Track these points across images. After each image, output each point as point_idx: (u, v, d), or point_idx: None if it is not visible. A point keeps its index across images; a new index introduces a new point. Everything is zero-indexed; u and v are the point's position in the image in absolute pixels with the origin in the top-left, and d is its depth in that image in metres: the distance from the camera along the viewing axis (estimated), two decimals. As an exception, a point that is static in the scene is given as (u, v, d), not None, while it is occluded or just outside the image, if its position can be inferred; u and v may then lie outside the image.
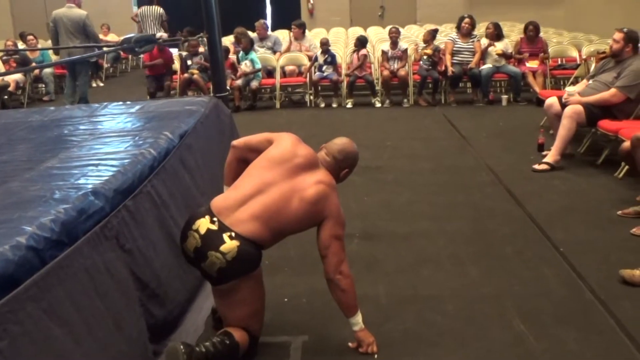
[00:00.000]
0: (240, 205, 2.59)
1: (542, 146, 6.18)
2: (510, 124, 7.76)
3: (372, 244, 4.20)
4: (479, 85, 9.30)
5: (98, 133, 3.65)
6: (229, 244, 2.49)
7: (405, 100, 9.48)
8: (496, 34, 9.37)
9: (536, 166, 5.72)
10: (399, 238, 4.28)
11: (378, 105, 9.47)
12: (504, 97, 9.18)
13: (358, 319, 2.81)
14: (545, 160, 5.74)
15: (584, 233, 4.25)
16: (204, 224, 2.53)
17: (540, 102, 7.78)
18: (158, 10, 11.65)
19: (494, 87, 9.75)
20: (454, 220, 4.58)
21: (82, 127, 3.92)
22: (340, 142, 2.94)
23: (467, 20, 9.49)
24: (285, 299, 3.42)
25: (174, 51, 11.11)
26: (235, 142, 2.93)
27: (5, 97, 10.53)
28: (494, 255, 3.95)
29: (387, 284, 3.59)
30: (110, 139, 3.46)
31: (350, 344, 2.88)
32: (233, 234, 2.50)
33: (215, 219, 2.54)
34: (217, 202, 2.63)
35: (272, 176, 2.66)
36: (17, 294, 1.81)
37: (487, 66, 9.19)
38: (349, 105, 9.53)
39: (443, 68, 9.33)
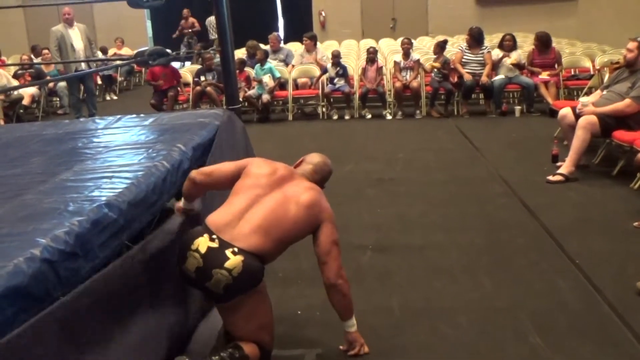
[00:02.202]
0: (238, 220, 2.59)
1: (556, 157, 6.14)
2: (523, 135, 7.73)
3: (385, 255, 4.19)
4: (491, 97, 9.28)
5: (112, 145, 3.66)
6: (233, 260, 2.47)
7: (418, 111, 9.47)
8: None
9: (550, 177, 5.68)
10: (412, 250, 4.26)
11: (389, 117, 9.46)
12: (517, 108, 9.15)
13: (354, 320, 2.86)
14: (559, 171, 5.71)
15: (599, 245, 4.21)
16: (203, 243, 2.51)
17: (553, 113, 7.74)
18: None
19: (506, 98, 9.72)
20: (468, 232, 4.55)
21: (96, 139, 3.93)
22: (320, 157, 3.02)
23: (475, 31, 9.48)
24: (299, 312, 3.41)
25: (187, 64, 11.19)
26: (198, 179, 2.85)
27: (21, 110, 10.64)
28: (508, 267, 3.92)
29: (401, 296, 3.58)
30: (124, 152, 3.47)
31: (340, 347, 2.89)
32: (236, 249, 2.49)
33: (214, 236, 2.52)
34: (214, 219, 2.61)
35: (262, 189, 2.69)
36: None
37: (499, 77, 9.17)
38: (368, 116, 9.53)
39: (455, 79, 9.32)
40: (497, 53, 9.38)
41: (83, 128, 4.34)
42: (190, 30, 14.93)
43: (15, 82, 10.51)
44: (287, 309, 3.41)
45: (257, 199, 2.65)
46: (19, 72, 11.05)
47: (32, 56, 12.70)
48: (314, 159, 2.98)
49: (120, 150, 3.52)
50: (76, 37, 9.19)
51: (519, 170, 6.12)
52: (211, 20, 14.43)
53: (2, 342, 1.68)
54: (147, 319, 2.47)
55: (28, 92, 10.55)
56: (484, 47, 9.46)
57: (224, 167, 2.91)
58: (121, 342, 2.25)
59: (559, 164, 5.93)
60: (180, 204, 2.91)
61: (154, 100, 9.87)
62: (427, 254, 4.18)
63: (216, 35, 13.90)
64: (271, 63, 10.02)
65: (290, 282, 3.71)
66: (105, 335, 2.17)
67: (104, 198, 2.52)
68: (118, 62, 10.62)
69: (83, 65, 9.24)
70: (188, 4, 14.74)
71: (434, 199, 5.35)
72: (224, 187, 2.90)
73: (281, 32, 17.21)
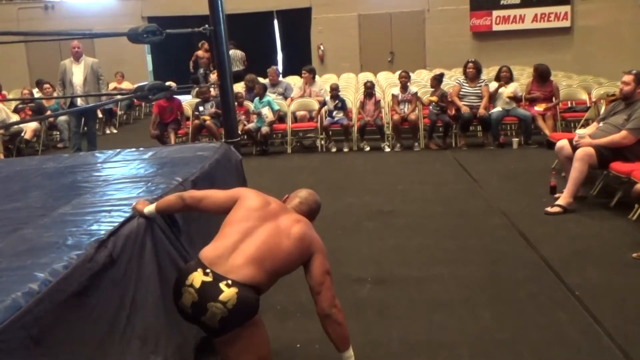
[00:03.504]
0: (231, 252, 2.58)
1: (554, 189, 6.16)
2: (521, 167, 7.76)
3: (384, 288, 4.18)
4: (489, 129, 9.34)
5: (111, 179, 3.68)
6: (227, 292, 2.47)
7: (416, 144, 9.51)
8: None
9: (549, 209, 5.69)
10: (411, 283, 4.25)
11: (387, 149, 9.51)
12: (515, 140, 9.20)
13: (351, 351, 2.82)
14: (557, 203, 5.72)
15: (599, 276, 4.20)
16: (197, 278, 2.50)
17: (551, 145, 7.77)
18: (239, 53, 14.49)
19: (504, 130, 9.77)
20: (467, 264, 4.55)
21: (95, 173, 3.95)
22: (307, 192, 3.05)
23: (470, 65, 9.59)
24: (298, 345, 3.39)
25: (187, 98, 11.28)
26: (188, 202, 2.88)
27: (22, 144, 10.68)
28: (508, 299, 3.91)
29: (400, 329, 3.56)
30: (123, 185, 3.48)
31: None
32: (229, 282, 2.48)
33: (208, 270, 2.52)
34: (207, 253, 2.61)
35: (253, 222, 2.70)
36: (11, 321, 1.81)
37: (497, 109, 9.24)
38: (367, 149, 9.58)
39: (453, 112, 9.38)
40: (494, 85, 9.47)
41: (83, 162, 4.36)
42: (206, 60, 15.00)
43: (14, 116, 10.58)
44: (285, 342, 3.39)
45: (250, 231, 2.66)
46: (20, 106, 11.12)
47: (35, 90, 12.80)
48: (301, 193, 3.02)
49: (120, 184, 3.53)
50: (78, 71, 9.19)
51: (517, 202, 6.13)
52: (232, 53, 14.72)
53: None
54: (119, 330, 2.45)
55: (30, 127, 10.61)
56: (481, 80, 9.55)
57: (215, 196, 2.92)
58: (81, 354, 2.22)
59: (557, 195, 5.94)
60: (144, 209, 2.84)
61: (157, 131, 9.95)
62: (427, 286, 4.17)
63: (235, 68, 14.27)
64: (270, 96, 10.10)
65: (288, 315, 3.69)
66: (69, 346, 2.13)
67: (102, 232, 2.53)
68: (119, 97, 10.68)
69: (79, 100, 9.21)
70: (188, 39, 14.88)
71: (433, 232, 5.36)
72: (211, 213, 2.96)
73: (280, 66, 17.39)
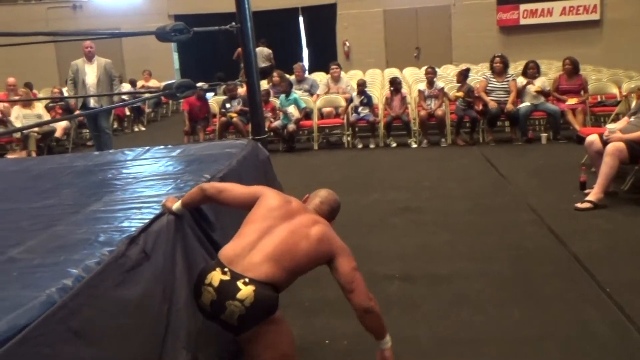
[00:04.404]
0: (249, 251, 2.60)
1: (584, 184, 6.09)
2: (550, 163, 7.68)
3: (412, 285, 4.17)
4: (517, 124, 9.25)
5: (141, 177, 3.72)
6: (245, 290, 2.48)
7: (443, 140, 9.47)
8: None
9: (578, 205, 5.63)
10: (439, 279, 4.24)
11: (414, 145, 9.48)
12: (544, 135, 9.10)
13: (389, 336, 2.82)
14: (587, 198, 5.65)
15: (630, 273, 4.14)
16: (216, 277, 2.52)
17: (580, 140, 7.66)
18: (266, 50, 14.61)
19: (532, 126, 9.67)
20: (494, 261, 4.52)
21: (125, 171, 4.01)
22: (327, 192, 3.05)
23: (497, 59, 9.51)
24: (327, 341, 3.40)
25: (209, 96, 11.39)
26: (209, 192, 2.91)
27: (53, 143, 10.86)
28: (537, 296, 3.88)
29: (427, 326, 3.55)
30: (152, 182, 3.53)
31: None
32: (247, 280, 2.50)
33: (226, 269, 2.54)
34: (226, 252, 2.63)
35: (272, 221, 2.71)
36: (47, 316, 1.84)
37: (525, 104, 9.15)
38: (393, 145, 9.56)
39: (480, 107, 9.31)
40: (521, 80, 9.37)
41: (112, 159, 4.42)
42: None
43: (47, 116, 10.74)
44: (314, 338, 3.40)
45: (268, 230, 2.67)
46: (50, 105, 11.30)
47: (65, 89, 12.99)
48: (321, 193, 3.03)
49: (149, 181, 3.58)
50: (91, 72, 8.94)
51: (546, 198, 6.07)
52: (259, 50, 14.85)
53: (11, 344, 1.70)
54: (155, 324, 2.49)
55: (61, 125, 10.77)
56: (508, 75, 9.46)
57: (236, 190, 2.94)
58: (127, 346, 2.27)
59: (587, 191, 5.87)
60: (173, 206, 2.89)
61: (188, 128, 10.14)
62: (454, 283, 4.15)
63: (262, 64, 14.36)
64: (296, 93, 10.12)
65: (316, 312, 3.70)
66: (111, 337, 2.17)
67: (133, 229, 2.57)
68: (147, 95, 10.77)
69: (92, 101, 9.01)
70: (213, 38, 14.97)
71: (460, 228, 5.32)
72: (230, 207, 2.99)
73: (306, 63, 17.41)
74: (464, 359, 3.17)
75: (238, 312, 2.48)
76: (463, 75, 9.72)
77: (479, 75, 11.18)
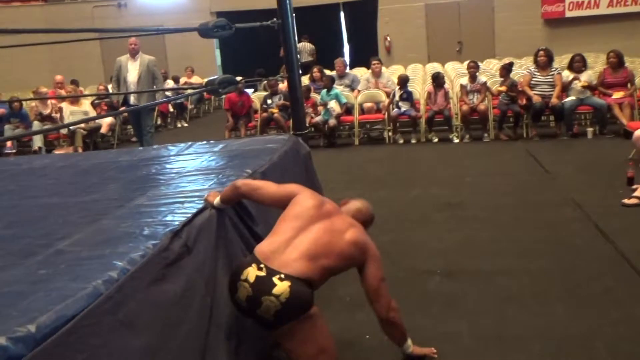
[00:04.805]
0: (285, 247, 2.63)
1: (631, 180, 5.93)
2: (596, 158, 7.51)
3: (454, 281, 4.13)
4: (562, 119, 9.06)
5: (184, 172, 3.78)
6: (280, 286, 2.51)
7: (486, 135, 9.34)
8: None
9: (626, 201, 5.49)
10: (481, 275, 4.19)
11: (456, 140, 9.39)
12: (589, 129, 8.91)
13: (409, 340, 2.94)
14: (635, 194, 5.51)
15: (680, 271, 4.03)
16: (252, 273, 2.55)
17: (628, 134, 7.49)
18: (308, 45, 15.30)
19: (578, 120, 9.46)
20: (539, 257, 4.44)
21: (168, 166, 4.07)
22: (363, 202, 3.11)
23: (542, 53, 9.33)
24: (367, 336, 3.39)
25: (249, 91, 11.48)
26: (242, 190, 2.93)
27: (99, 139, 11.09)
28: (582, 294, 3.80)
29: (470, 322, 3.51)
30: (195, 177, 3.58)
31: None
32: (282, 276, 2.53)
33: (262, 265, 2.57)
34: (262, 248, 2.66)
35: (308, 220, 2.74)
36: (94, 306, 1.89)
37: (570, 99, 8.95)
38: (435, 140, 9.48)
39: (524, 101, 9.16)
40: (566, 74, 9.18)
41: (156, 155, 4.49)
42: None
43: (94, 112, 10.96)
44: (355, 333, 3.40)
45: (304, 227, 2.70)
46: (96, 101, 11.53)
47: (110, 86, 13.25)
48: (357, 203, 3.09)
49: (192, 176, 3.63)
50: (133, 69, 8.87)
51: (592, 193, 5.93)
52: (302, 45, 15.08)
53: (60, 334, 1.74)
54: (198, 317, 2.53)
55: (106, 122, 10.99)
56: (553, 69, 9.28)
57: (270, 188, 2.96)
58: (172, 336, 2.31)
59: (634, 186, 5.72)
60: (214, 200, 2.92)
61: (230, 124, 10.26)
62: (497, 279, 4.10)
63: (304, 59, 14.42)
64: (337, 88, 10.11)
65: (358, 307, 3.68)
66: (156, 328, 2.22)
67: (176, 223, 2.61)
68: (189, 91, 10.89)
69: (132, 98, 9.02)
70: (255, 34, 15.07)
71: (503, 224, 5.25)
72: (264, 205, 3.04)
73: (347, 58, 17.38)
74: (507, 356, 3.12)
75: (274, 308, 2.50)
76: (506, 70, 9.58)
77: (522, 69, 10.99)
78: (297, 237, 2.66)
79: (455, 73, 12.00)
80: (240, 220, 3.11)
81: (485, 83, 9.50)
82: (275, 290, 2.50)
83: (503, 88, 9.23)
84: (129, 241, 2.42)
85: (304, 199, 2.83)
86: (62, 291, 1.91)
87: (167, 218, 2.72)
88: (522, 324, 3.46)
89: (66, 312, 1.79)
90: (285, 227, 2.71)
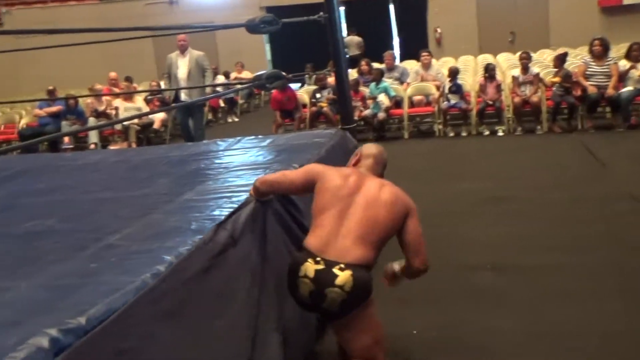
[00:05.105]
0: (336, 237, 2.60)
1: (692, 172, 5.73)
2: (655, 150, 7.27)
3: (504, 276, 4.07)
4: (619, 110, 8.80)
5: (232, 166, 3.83)
6: (343, 276, 2.51)
7: (538, 127, 9.15)
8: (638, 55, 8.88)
9: (685, 194, 5.31)
10: (532, 271, 4.11)
11: (508, 133, 9.23)
12: (648, 121, 8.63)
13: None
14: (695, 187, 5.32)
15: None
16: (310, 268, 2.55)
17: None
18: (356, 38, 15.25)
19: (636, 111, 9.17)
20: (593, 252, 4.33)
21: (217, 161, 4.13)
22: (376, 147, 3.06)
23: (597, 42, 9.06)
24: (414, 331, 3.38)
25: (295, 86, 11.52)
26: (261, 189, 2.90)
27: (152, 134, 11.31)
28: (637, 289, 3.70)
29: (520, 319, 3.46)
30: (243, 172, 3.61)
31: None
32: (342, 266, 2.52)
33: (318, 258, 2.56)
34: (311, 243, 2.64)
35: (343, 201, 2.68)
36: (139, 297, 1.93)
37: (627, 89, 8.68)
38: (486, 133, 9.34)
39: (579, 92, 8.92)
40: (623, 64, 8.90)
41: (205, 150, 4.57)
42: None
43: (147, 108, 11.19)
44: (401, 328, 3.38)
45: (344, 212, 2.66)
46: (149, 97, 11.75)
47: (162, 82, 13.48)
48: (371, 150, 3.00)
49: (240, 170, 3.67)
50: (183, 65, 8.94)
51: (650, 187, 5.75)
52: (350, 38, 15.16)
53: (105, 324, 1.78)
54: (239, 311, 2.55)
55: (158, 117, 11.20)
56: (609, 59, 9.01)
57: (290, 177, 2.93)
58: (217, 327, 2.34)
59: (695, 180, 5.53)
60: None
61: (279, 118, 10.32)
62: (548, 275, 4.02)
63: (352, 53, 14.43)
64: (386, 82, 10.06)
65: (404, 301, 3.67)
66: (202, 318, 2.26)
67: (223, 217, 2.64)
68: (238, 87, 11.00)
69: (183, 94, 9.07)
70: (305, 28, 15.12)
71: (555, 218, 5.14)
72: (293, 194, 3.03)
73: (397, 50, 17.25)
74: (558, 353, 3.06)
75: (339, 298, 2.51)
76: (560, 60, 9.36)
77: (577, 59, 10.71)
78: (343, 224, 2.63)
79: (508, 64, 11.78)
80: (287, 211, 3.13)
81: (537, 74, 9.30)
82: (338, 281, 2.50)
83: (557, 79, 9.02)
84: (176, 235, 2.47)
85: (329, 181, 2.76)
86: (111, 284, 1.96)
87: (215, 212, 2.75)
88: (573, 320, 3.39)
89: (114, 305, 1.83)
90: (327, 217, 2.67)
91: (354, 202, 2.68)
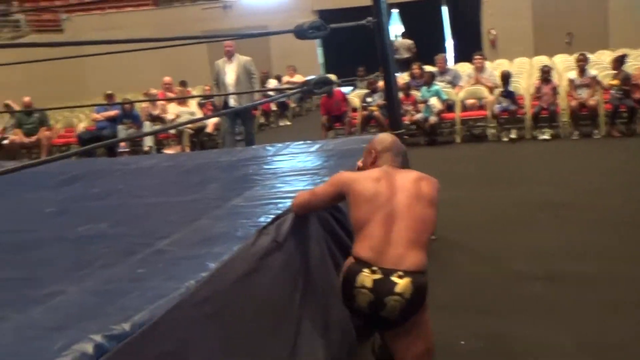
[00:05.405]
0: (388, 244, 2.56)
1: None
2: None
3: (557, 286, 3.96)
4: (681, 113, 8.49)
5: (279, 172, 3.85)
6: (402, 284, 2.48)
7: (596, 131, 8.90)
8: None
9: None
10: (586, 281, 3.99)
11: (564, 137, 9.00)
12: None
13: None
14: None
15: None
16: (367, 278, 2.51)
17: None
18: (407, 41, 15.41)
19: (700, 115, 8.83)
20: (650, 262, 4.19)
21: (265, 166, 4.17)
22: (389, 137, 3.02)
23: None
24: (462, 342, 3.33)
25: (347, 90, 11.50)
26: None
27: (205, 138, 11.48)
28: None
29: (573, 331, 3.36)
30: (290, 178, 3.64)
31: None
32: (401, 273, 2.49)
33: (374, 268, 2.52)
34: (364, 253, 2.58)
35: (384, 207, 2.62)
36: (180, 301, 1.97)
37: (690, 92, 8.38)
38: (541, 137, 9.13)
39: (639, 96, 8.64)
40: (687, 66, 8.60)
41: (254, 155, 4.61)
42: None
43: (200, 113, 11.36)
44: (449, 338, 3.33)
45: (390, 218, 2.61)
46: (202, 102, 11.93)
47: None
48: (384, 143, 2.91)
49: (287, 176, 3.69)
50: (230, 71, 8.92)
51: None
52: (400, 41, 15.24)
53: (147, 327, 1.81)
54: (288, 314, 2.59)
55: (211, 121, 11.34)
56: (671, 60, 8.72)
57: (320, 193, 2.89)
58: (259, 329, 2.37)
59: None
60: None
61: (326, 123, 10.34)
62: (603, 285, 3.89)
63: (405, 55, 14.37)
64: (438, 85, 9.96)
65: (452, 311, 3.62)
66: (243, 321, 2.28)
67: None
68: (288, 92, 11.06)
69: (232, 100, 9.07)
70: (357, 32, 15.11)
71: (612, 226, 4.98)
72: (327, 207, 3.04)
73: (451, 53, 17.07)
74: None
75: (399, 306, 2.49)
76: (619, 62, 9.09)
77: (638, 61, 10.38)
78: (392, 230, 2.59)
79: (564, 66, 11.50)
80: (333, 218, 3.13)
81: (595, 77, 9.05)
82: (397, 289, 2.48)
83: (615, 82, 8.76)
84: (223, 241, 2.50)
85: (362, 191, 2.69)
86: (157, 290, 2.00)
87: (261, 219, 2.77)
88: (627, 333, 3.28)
89: (158, 311, 1.87)
90: (373, 228, 2.61)
91: (395, 206, 2.63)
